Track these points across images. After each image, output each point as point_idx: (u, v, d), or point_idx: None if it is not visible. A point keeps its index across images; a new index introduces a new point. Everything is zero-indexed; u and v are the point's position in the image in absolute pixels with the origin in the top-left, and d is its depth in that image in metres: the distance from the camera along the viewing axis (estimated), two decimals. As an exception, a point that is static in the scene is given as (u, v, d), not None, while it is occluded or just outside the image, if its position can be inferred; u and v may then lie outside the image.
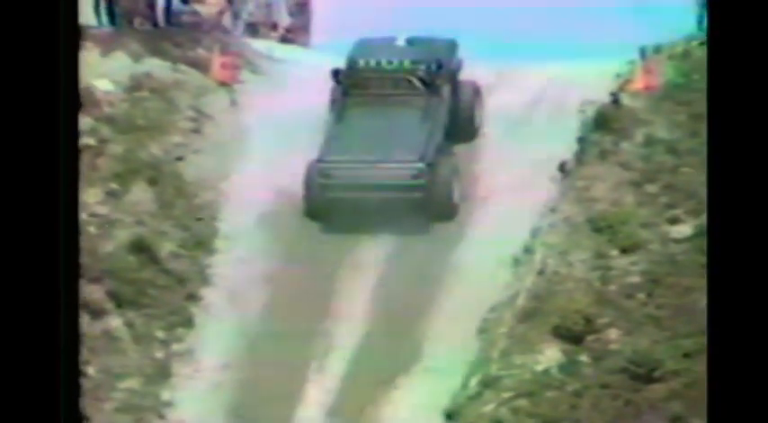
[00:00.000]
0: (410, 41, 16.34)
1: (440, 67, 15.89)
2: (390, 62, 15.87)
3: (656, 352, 12.45)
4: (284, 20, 18.44)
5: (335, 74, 16.04)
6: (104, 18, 16.98)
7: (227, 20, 17.78)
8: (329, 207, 15.03)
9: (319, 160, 15.12)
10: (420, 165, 14.97)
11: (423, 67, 15.80)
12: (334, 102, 16.15)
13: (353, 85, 15.87)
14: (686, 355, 12.28)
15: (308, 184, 15.12)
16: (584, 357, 12.76)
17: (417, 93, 15.73)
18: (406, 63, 15.83)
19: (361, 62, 15.92)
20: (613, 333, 12.88)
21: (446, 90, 15.91)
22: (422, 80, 15.77)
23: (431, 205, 14.95)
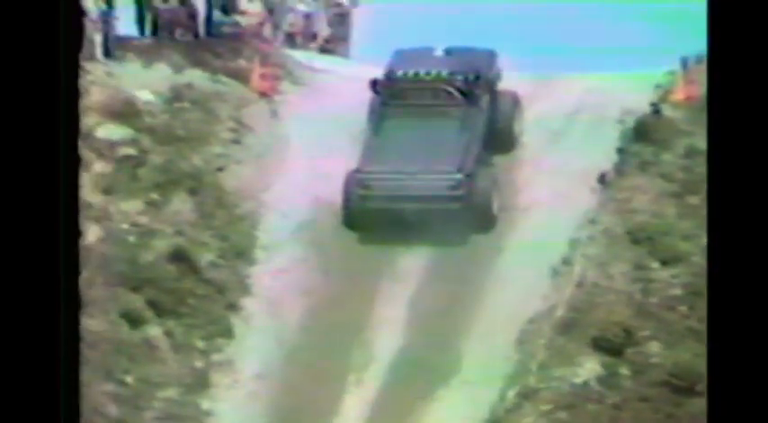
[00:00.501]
0: (448, 52, 16.33)
1: (478, 77, 15.87)
2: (428, 73, 15.87)
3: (698, 365, 12.31)
4: (324, 30, 18.50)
5: (374, 84, 16.06)
6: (148, 29, 17.14)
7: (267, 31, 17.87)
8: (368, 218, 15.05)
9: (358, 171, 15.14)
10: (459, 176, 14.95)
11: (461, 77, 15.79)
12: (372, 112, 16.17)
13: (392, 95, 15.89)
14: (728, 369, 12.12)
15: (347, 194, 15.14)
16: (624, 370, 12.67)
17: (456, 103, 15.72)
18: (445, 73, 15.83)
19: (400, 72, 15.94)
20: (654, 346, 12.78)
21: (485, 100, 15.88)
22: (460, 90, 15.76)
23: (470, 216, 14.92)
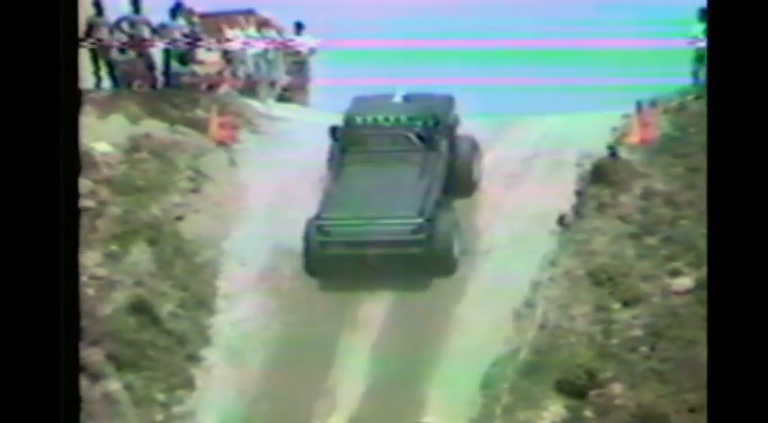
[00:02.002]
0: (407, 98, 16.43)
1: (437, 122, 15.95)
2: (387, 119, 15.94)
3: (661, 406, 12.35)
4: (282, 79, 18.56)
5: (333, 131, 16.11)
6: (107, 81, 17.13)
7: (225, 79, 17.88)
8: (329, 264, 15.01)
9: (318, 217, 15.13)
10: (419, 220, 14.97)
11: (420, 122, 15.86)
12: (332, 159, 16.20)
13: (351, 142, 15.93)
14: (691, 410, 12.18)
15: (308, 241, 15.10)
16: (588, 412, 12.65)
17: (415, 148, 15.78)
18: (403, 119, 15.90)
19: (359, 119, 16.00)
20: (617, 387, 12.78)
21: (444, 145, 15.96)
22: (419, 136, 15.83)
23: (431, 260, 14.92)
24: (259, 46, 17.75)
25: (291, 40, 18.11)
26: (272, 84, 17.96)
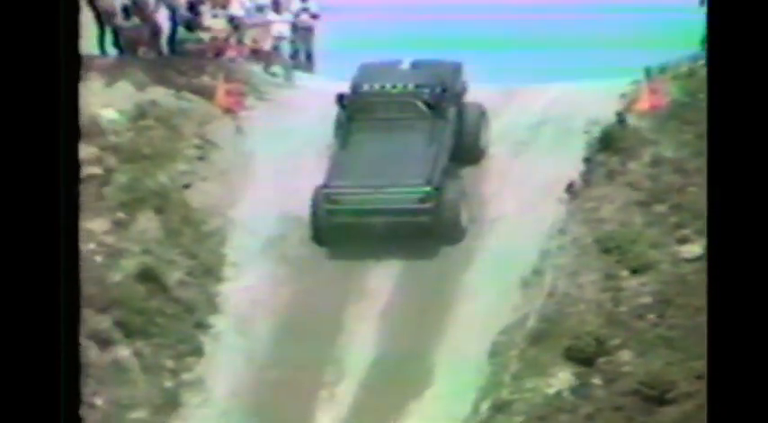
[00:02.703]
0: (414, 65, 16.31)
1: (444, 89, 15.84)
2: (395, 86, 15.84)
3: (669, 373, 12.34)
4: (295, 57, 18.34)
5: (340, 99, 16.00)
6: (110, 49, 17.01)
7: (231, 46, 17.75)
8: (336, 232, 14.97)
9: (325, 186, 15.06)
10: (427, 188, 14.90)
11: (427, 90, 15.76)
12: (339, 127, 16.11)
13: (358, 109, 15.83)
14: (699, 377, 12.15)
15: (315, 209, 15.05)
16: (596, 380, 12.64)
17: (422, 116, 15.68)
18: (411, 86, 15.79)
19: (366, 86, 15.89)
20: (625, 355, 12.77)
21: (451, 113, 15.86)
22: (426, 103, 15.73)
23: (439, 229, 14.87)
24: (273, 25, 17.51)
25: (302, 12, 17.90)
26: (287, 64, 17.71)
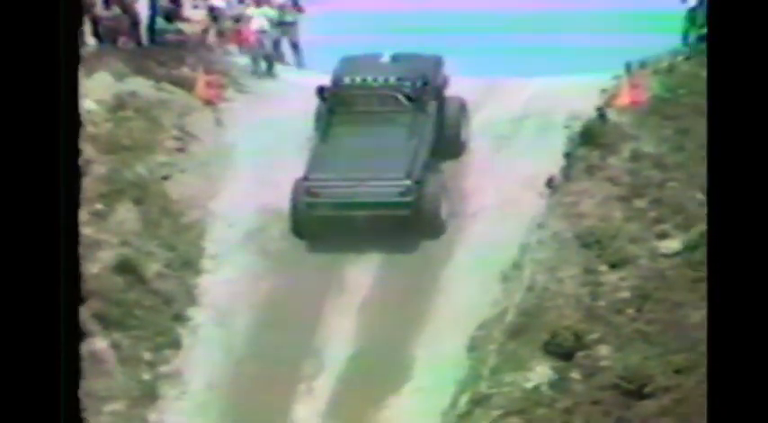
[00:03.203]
0: (395, 58, 16.31)
1: (425, 83, 15.84)
2: (375, 79, 15.82)
3: (647, 368, 12.37)
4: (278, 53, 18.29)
5: (321, 91, 15.97)
6: (89, 39, 16.89)
7: (211, 38, 17.70)
8: (316, 225, 14.95)
9: (305, 178, 15.03)
10: (407, 182, 14.90)
11: (408, 83, 15.76)
12: (319, 119, 16.08)
13: (339, 102, 15.81)
14: (677, 371, 12.21)
15: (295, 202, 15.02)
16: (574, 374, 12.67)
17: (403, 109, 15.68)
18: (392, 80, 15.79)
19: (347, 79, 15.86)
20: (604, 349, 12.80)
21: (432, 106, 15.86)
22: (407, 97, 15.72)
23: (419, 222, 14.87)
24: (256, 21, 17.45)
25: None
26: (269, 57, 17.67)
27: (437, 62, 16.37)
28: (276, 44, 17.90)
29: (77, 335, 7.06)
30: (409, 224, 14.83)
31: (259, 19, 17.50)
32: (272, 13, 17.71)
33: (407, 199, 14.83)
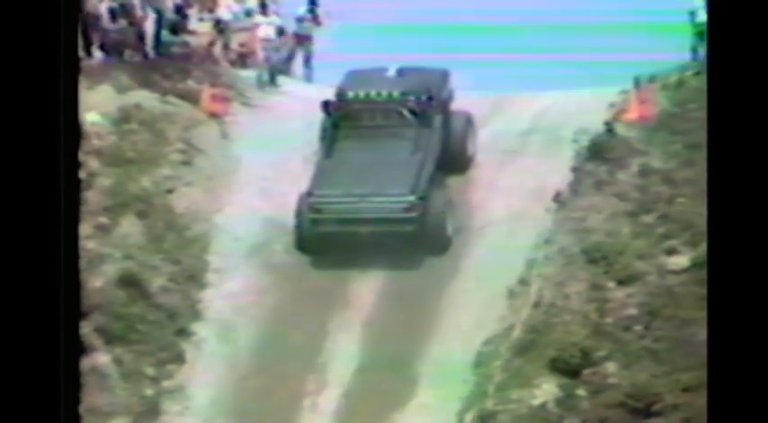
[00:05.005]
0: (400, 72, 16.24)
1: (430, 97, 15.77)
2: (380, 93, 15.75)
3: (655, 386, 12.26)
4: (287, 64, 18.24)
5: (326, 105, 15.90)
6: (97, 51, 16.87)
7: (217, 50, 17.66)
8: (320, 241, 14.86)
9: (309, 194, 14.95)
10: (412, 198, 14.81)
11: (413, 97, 15.68)
12: (324, 134, 16.01)
13: (343, 116, 15.74)
14: (685, 389, 12.09)
15: (299, 218, 14.95)
16: (581, 391, 12.56)
17: (408, 124, 15.60)
18: (396, 94, 15.71)
19: (351, 93, 15.80)
20: (611, 366, 12.69)
21: (437, 121, 15.78)
22: (412, 111, 15.65)
23: (424, 239, 14.77)
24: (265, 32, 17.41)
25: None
26: (273, 68, 17.62)
27: (443, 76, 16.30)
28: (290, 56, 17.86)
29: (78, 348, 6.95)
30: (414, 240, 14.73)
31: (265, 27, 17.46)
32: (279, 21, 17.66)
33: (412, 215, 14.73)
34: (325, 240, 14.77)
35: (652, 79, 16.17)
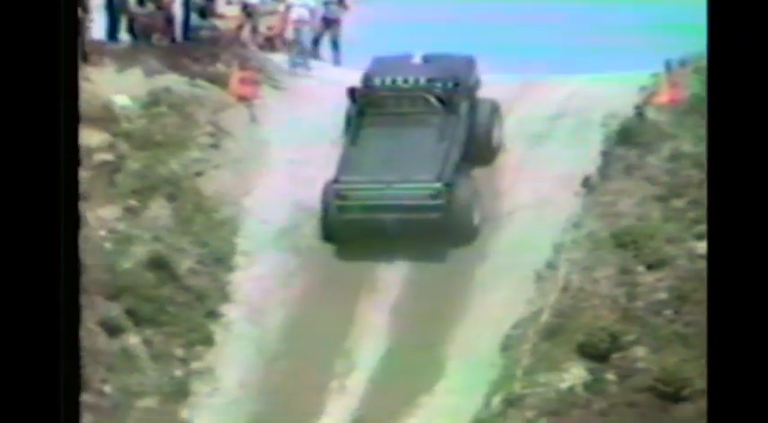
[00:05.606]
0: (426, 59, 16.16)
1: (457, 84, 15.68)
2: (406, 80, 15.68)
3: (684, 370, 12.22)
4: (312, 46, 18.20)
5: (351, 92, 15.86)
6: (123, 34, 16.90)
7: (245, 34, 17.67)
8: (346, 228, 14.82)
9: (335, 181, 14.92)
10: (437, 185, 14.75)
11: (439, 84, 15.59)
12: (349, 121, 15.97)
13: (369, 103, 15.67)
14: (716, 373, 12.01)
15: (325, 205, 14.91)
16: (610, 375, 12.54)
17: (434, 111, 15.52)
18: (422, 81, 15.63)
19: (377, 80, 15.73)
20: (640, 351, 12.66)
21: (464, 108, 15.69)
22: (438, 98, 15.57)
23: (450, 226, 14.68)
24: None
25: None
26: (304, 51, 17.58)
27: (469, 63, 16.21)
28: (317, 40, 17.84)
29: (76, 341, 6.96)
30: (440, 229, 14.67)
31: (299, 9, 17.45)
32: (313, 3, 17.66)
33: (438, 202, 14.68)
34: (352, 227, 14.74)
35: (683, 63, 16.03)
